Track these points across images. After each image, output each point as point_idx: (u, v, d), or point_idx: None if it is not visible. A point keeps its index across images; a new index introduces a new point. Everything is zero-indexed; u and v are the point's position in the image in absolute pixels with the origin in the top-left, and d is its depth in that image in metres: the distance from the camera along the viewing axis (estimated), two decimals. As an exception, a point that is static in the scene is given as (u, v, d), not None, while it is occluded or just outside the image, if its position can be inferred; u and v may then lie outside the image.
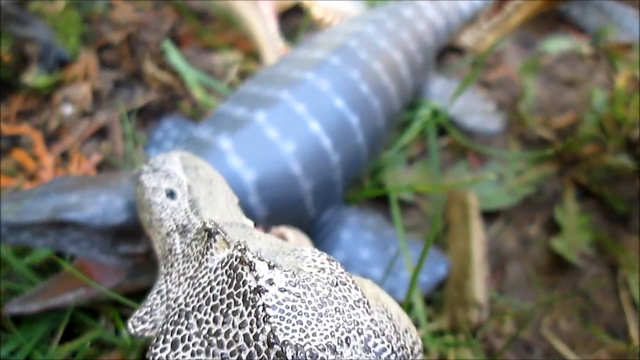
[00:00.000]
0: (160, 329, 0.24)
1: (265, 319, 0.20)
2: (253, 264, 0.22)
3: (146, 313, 0.25)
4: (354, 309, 0.22)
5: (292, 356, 0.20)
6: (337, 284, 0.23)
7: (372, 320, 0.22)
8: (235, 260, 0.23)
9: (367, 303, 0.23)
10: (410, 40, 0.54)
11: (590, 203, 0.55)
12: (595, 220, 0.53)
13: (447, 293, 0.45)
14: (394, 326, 0.23)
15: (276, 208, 0.41)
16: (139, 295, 0.42)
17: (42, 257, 0.43)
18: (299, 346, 0.20)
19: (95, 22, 0.68)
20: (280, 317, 0.21)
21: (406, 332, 0.24)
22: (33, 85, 0.60)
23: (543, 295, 0.48)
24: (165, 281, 0.26)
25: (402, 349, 0.22)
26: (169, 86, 0.62)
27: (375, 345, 0.22)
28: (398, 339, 0.23)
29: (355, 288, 0.23)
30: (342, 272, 0.24)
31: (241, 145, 0.40)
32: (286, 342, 0.20)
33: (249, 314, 0.21)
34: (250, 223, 0.30)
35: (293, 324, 0.21)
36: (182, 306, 0.24)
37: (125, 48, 0.65)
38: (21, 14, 0.61)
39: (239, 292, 0.22)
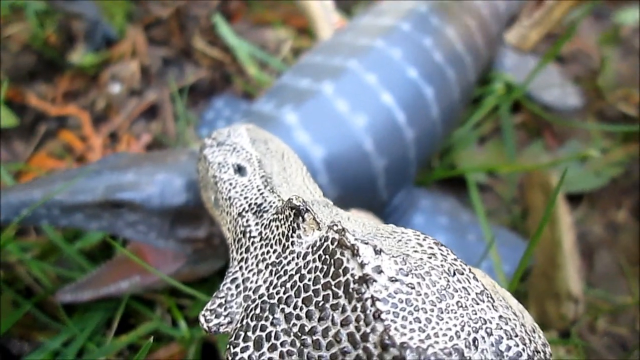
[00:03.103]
0: (238, 324, 0.20)
1: (376, 316, 0.16)
2: (356, 248, 0.18)
3: (220, 305, 0.22)
4: (477, 303, 0.18)
5: (414, 362, 0.16)
6: (454, 273, 0.19)
7: (500, 317, 0.18)
8: (332, 243, 0.19)
9: (491, 296, 0.19)
10: (483, 6, 0.49)
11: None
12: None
13: (533, 284, 0.41)
14: (523, 325, 0.19)
15: (346, 189, 0.37)
16: (197, 285, 0.39)
17: (93, 242, 0.41)
18: (420, 349, 0.16)
19: (143, -1, 0.65)
20: (394, 312, 0.17)
21: (533, 331, 0.20)
22: (80, 65, 0.57)
23: (637, 287, 0.43)
24: (240, 268, 0.22)
25: (537, 352, 0.18)
26: (220, 63, 0.59)
27: (508, 348, 0.17)
28: (530, 341, 0.18)
29: (474, 278, 0.19)
30: (455, 259, 0.19)
31: (308, 119, 0.36)
32: (405, 345, 0.16)
33: (354, 309, 0.17)
34: (330, 202, 0.26)
35: (410, 322, 0.17)
36: (265, 298, 0.20)
37: (174, 23, 0.62)
38: (67, -11, 0.58)
39: (339, 282, 0.18)
